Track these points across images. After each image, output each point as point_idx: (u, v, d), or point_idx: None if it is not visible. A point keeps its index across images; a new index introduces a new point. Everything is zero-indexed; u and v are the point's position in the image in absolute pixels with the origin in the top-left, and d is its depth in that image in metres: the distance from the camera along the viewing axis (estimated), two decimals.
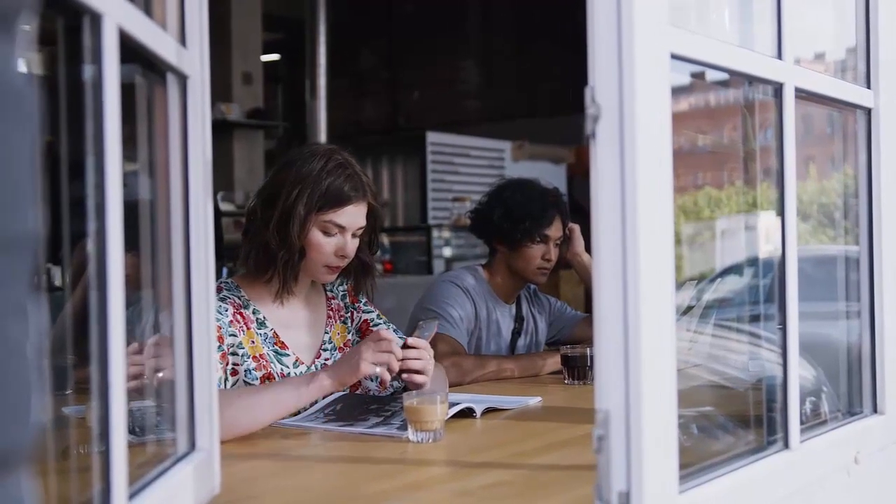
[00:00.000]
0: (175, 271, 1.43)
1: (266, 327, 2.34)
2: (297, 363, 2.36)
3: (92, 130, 1.07)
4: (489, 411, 2.30)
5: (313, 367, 2.38)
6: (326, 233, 2.32)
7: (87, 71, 1.07)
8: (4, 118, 0.59)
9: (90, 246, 1.06)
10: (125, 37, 1.12)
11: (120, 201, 1.08)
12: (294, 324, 2.41)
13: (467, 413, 2.22)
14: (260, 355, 2.30)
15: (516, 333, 3.27)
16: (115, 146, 1.08)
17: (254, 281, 2.38)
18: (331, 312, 2.51)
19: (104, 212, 1.06)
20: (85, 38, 1.06)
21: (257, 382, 2.26)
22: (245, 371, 2.26)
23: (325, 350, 2.45)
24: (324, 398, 2.27)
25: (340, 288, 2.56)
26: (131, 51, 1.18)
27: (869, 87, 1.93)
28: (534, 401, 2.47)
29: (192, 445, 1.45)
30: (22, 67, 0.63)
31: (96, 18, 1.05)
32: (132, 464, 1.12)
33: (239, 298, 2.34)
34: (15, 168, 0.60)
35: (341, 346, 2.49)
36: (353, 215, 2.34)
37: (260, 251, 2.33)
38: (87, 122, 1.07)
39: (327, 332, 2.47)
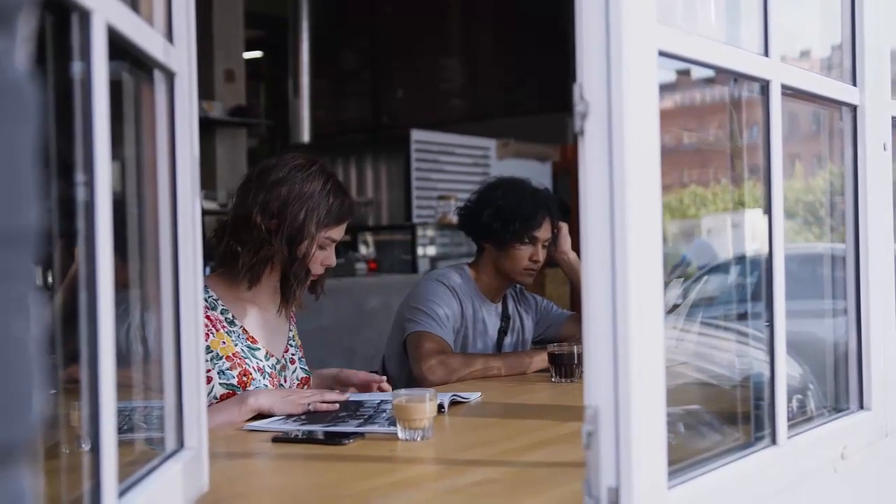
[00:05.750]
0: (163, 270, 1.43)
1: (236, 325, 2.43)
2: (267, 356, 2.47)
3: (80, 128, 1.06)
4: (454, 404, 2.36)
5: (283, 360, 2.52)
6: (321, 247, 2.45)
7: (76, 68, 1.07)
8: (6, 114, 0.59)
9: (79, 245, 1.05)
10: (113, 33, 1.12)
11: (109, 199, 1.07)
12: (261, 322, 2.50)
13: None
14: (233, 354, 2.38)
15: (503, 332, 3.27)
16: (104, 143, 1.07)
17: (226, 281, 2.45)
18: (291, 314, 2.63)
19: (93, 210, 1.06)
20: (73, 35, 1.05)
21: (234, 381, 2.35)
22: (219, 373, 2.34)
23: (290, 345, 2.58)
24: None
25: None
26: (118, 47, 1.17)
27: (854, 83, 1.93)
28: (474, 396, 2.51)
29: (180, 443, 1.44)
30: (22, 64, 0.63)
31: (85, 15, 1.05)
32: (120, 461, 1.11)
33: (206, 300, 2.38)
34: (17, 163, 0.60)
35: (299, 344, 2.64)
36: (344, 230, 2.50)
37: (262, 264, 2.40)
38: (76, 119, 1.06)
39: (291, 330, 2.61)
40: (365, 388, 2.55)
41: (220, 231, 2.44)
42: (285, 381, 2.50)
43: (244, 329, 2.44)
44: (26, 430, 0.62)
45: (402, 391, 2.05)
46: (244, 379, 2.36)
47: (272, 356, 2.48)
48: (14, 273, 0.61)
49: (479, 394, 2.53)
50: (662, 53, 1.32)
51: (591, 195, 1.24)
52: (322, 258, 2.46)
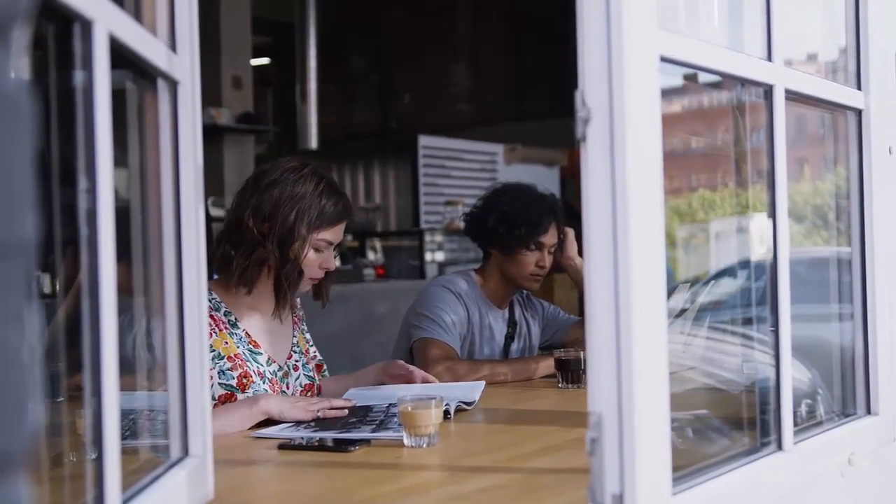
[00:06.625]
0: (167, 278, 1.43)
1: (239, 328, 2.44)
2: (269, 361, 2.47)
3: (83, 137, 1.06)
4: (460, 410, 2.36)
5: (285, 367, 2.51)
6: (317, 249, 2.44)
7: (78, 77, 1.07)
8: (1, 125, 0.60)
9: (82, 253, 1.05)
10: (115, 43, 1.12)
11: (112, 208, 1.08)
12: (265, 327, 2.51)
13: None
14: (235, 355, 2.39)
15: (509, 338, 3.26)
16: (105, 152, 1.07)
17: (227, 287, 2.45)
18: (296, 319, 2.63)
19: (96, 218, 1.06)
20: (75, 44, 1.06)
21: (234, 381, 2.36)
22: (219, 372, 2.35)
23: (294, 352, 2.58)
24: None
25: (297, 300, 2.69)
26: (121, 56, 1.18)
27: (859, 87, 1.93)
28: (479, 387, 2.55)
29: (185, 451, 1.45)
30: (17, 74, 0.63)
31: (87, 25, 1.05)
32: (125, 470, 1.12)
33: (210, 301, 2.39)
34: (12, 174, 0.60)
35: (304, 350, 2.62)
36: (341, 232, 2.49)
37: (255, 267, 2.40)
38: (78, 128, 1.07)
39: (294, 336, 2.60)
40: (408, 380, 2.58)
41: (218, 237, 2.45)
42: (287, 388, 2.50)
43: (247, 333, 2.44)
44: (22, 439, 0.62)
45: (408, 397, 2.04)
46: (244, 381, 2.36)
47: (274, 362, 2.48)
48: (10, 284, 0.61)
49: (483, 383, 2.59)
50: (664, 59, 1.32)
51: (594, 200, 1.24)
52: (319, 261, 2.45)
